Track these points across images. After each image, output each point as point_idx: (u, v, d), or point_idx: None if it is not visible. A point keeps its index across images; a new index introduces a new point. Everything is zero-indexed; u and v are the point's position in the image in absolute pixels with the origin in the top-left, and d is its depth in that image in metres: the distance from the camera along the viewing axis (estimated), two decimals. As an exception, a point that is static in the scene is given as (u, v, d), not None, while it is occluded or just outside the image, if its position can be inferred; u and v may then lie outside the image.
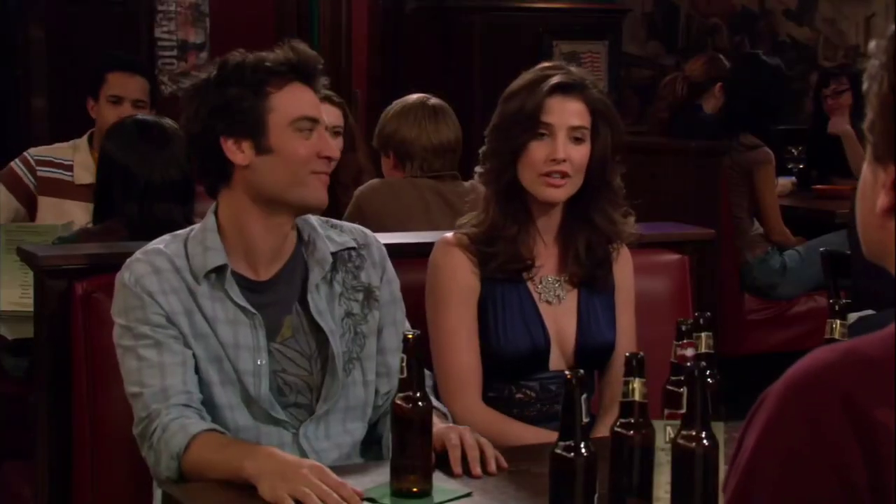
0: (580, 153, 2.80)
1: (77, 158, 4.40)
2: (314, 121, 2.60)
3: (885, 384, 1.23)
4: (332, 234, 2.70)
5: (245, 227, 2.60)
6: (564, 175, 2.79)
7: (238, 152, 2.58)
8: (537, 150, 2.80)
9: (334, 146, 2.64)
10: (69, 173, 4.37)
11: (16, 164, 4.39)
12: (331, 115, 4.16)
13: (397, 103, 4.01)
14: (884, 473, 1.20)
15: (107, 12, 6.76)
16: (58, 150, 4.44)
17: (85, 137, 4.49)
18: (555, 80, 2.81)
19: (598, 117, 2.82)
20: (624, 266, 2.96)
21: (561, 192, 2.81)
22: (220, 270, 2.58)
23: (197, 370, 2.56)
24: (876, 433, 1.21)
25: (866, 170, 1.34)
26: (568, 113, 2.81)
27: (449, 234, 2.91)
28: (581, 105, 2.81)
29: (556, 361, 2.88)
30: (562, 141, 2.79)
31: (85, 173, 4.35)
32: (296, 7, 8.46)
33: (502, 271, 2.84)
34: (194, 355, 2.56)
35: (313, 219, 2.68)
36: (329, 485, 2.27)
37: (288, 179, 2.58)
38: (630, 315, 2.96)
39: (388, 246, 2.78)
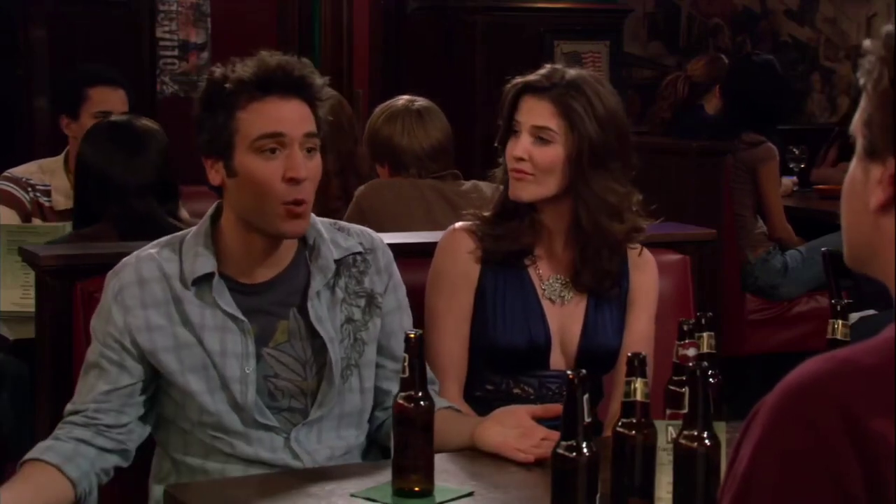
0: (543, 154, 2.78)
1: (54, 183, 4.31)
2: (278, 136, 2.49)
3: (881, 394, 1.22)
4: (339, 238, 2.67)
5: (236, 236, 2.58)
6: (524, 174, 2.79)
7: (213, 172, 2.56)
8: (509, 148, 2.83)
9: (302, 166, 2.49)
10: (47, 198, 4.31)
11: (7, 185, 4.29)
12: None
13: (383, 110, 3.97)
14: (882, 485, 1.20)
15: (108, 12, 6.76)
16: (35, 174, 4.34)
17: (60, 159, 4.39)
18: (527, 79, 2.82)
19: (570, 121, 2.79)
20: (644, 270, 2.93)
21: (523, 191, 2.80)
22: (208, 277, 2.56)
23: (179, 383, 2.54)
24: (874, 444, 1.20)
25: (856, 168, 1.32)
26: (534, 113, 2.80)
27: (460, 222, 2.92)
28: (550, 107, 2.79)
29: (557, 361, 2.87)
30: (524, 140, 2.80)
31: (64, 199, 4.27)
32: (297, 7, 8.46)
33: (504, 253, 2.84)
34: (174, 370, 2.54)
35: (319, 223, 2.65)
36: None
37: (255, 206, 2.51)
38: (646, 321, 2.93)
39: (388, 246, 2.78)
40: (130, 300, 2.55)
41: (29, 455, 2.50)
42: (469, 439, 2.58)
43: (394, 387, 2.65)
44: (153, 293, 2.55)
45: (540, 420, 2.65)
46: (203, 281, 2.56)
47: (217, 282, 2.56)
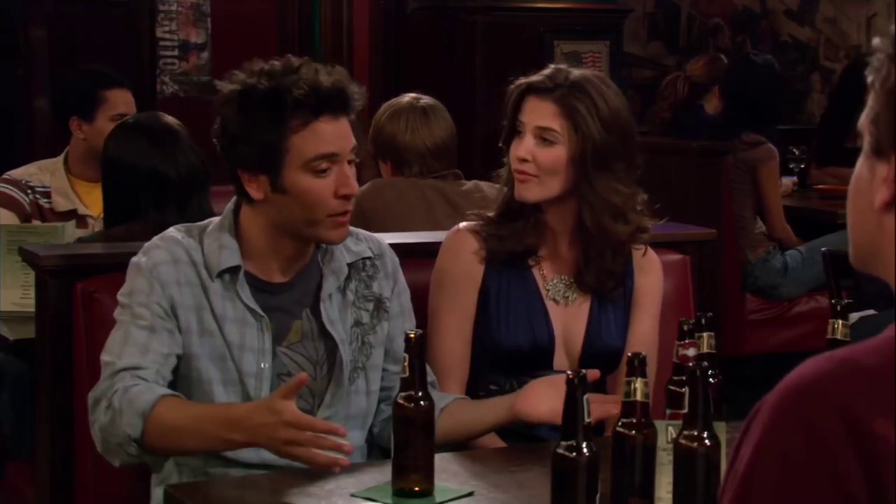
0: (547, 155, 2.78)
1: (54, 184, 4.30)
2: (332, 156, 2.52)
3: (882, 394, 1.21)
4: (349, 243, 2.69)
5: (262, 238, 2.60)
6: (528, 175, 2.79)
7: (253, 185, 2.55)
8: (513, 149, 2.82)
9: (354, 182, 2.57)
10: (47, 200, 4.30)
11: (6, 188, 4.27)
12: None
13: (388, 108, 3.97)
14: (883, 485, 1.19)
15: (108, 12, 6.76)
16: (34, 175, 4.33)
17: (60, 160, 4.37)
18: (530, 80, 2.81)
19: (573, 122, 2.78)
20: (648, 272, 2.93)
21: (527, 192, 2.80)
22: (233, 270, 2.58)
23: (195, 368, 2.55)
24: (874, 444, 1.20)
25: (862, 166, 1.32)
26: (537, 114, 2.79)
27: (464, 222, 2.92)
28: (553, 107, 2.78)
29: (561, 362, 2.87)
30: (527, 141, 2.79)
31: (64, 200, 4.27)
32: (297, 7, 8.46)
33: (508, 253, 2.84)
34: (195, 353, 2.55)
35: None
36: (310, 428, 2.30)
37: (303, 219, 2.54)
38: (650, 322, 2.92)
39: (390, 246, 2.78)
40: (167, 276, 2.55)
41: (152, 401, 2.42)
42: (507, 414, 2.61)
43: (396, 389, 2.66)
44: (186, 273, 2.56)
45: (541, 424, 2.66)
46: (227, 275, 2.58)
47: (241, 276, 2.58)
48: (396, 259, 2.75)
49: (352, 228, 2.75)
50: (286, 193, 2.53)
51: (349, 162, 2.56)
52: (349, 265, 2.66)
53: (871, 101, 1.30)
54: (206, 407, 2.48)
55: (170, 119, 3.48)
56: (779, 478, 1.22)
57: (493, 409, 2.65)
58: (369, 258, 2.70)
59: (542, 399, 2.57)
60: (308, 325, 2.63)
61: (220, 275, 2.57)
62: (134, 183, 3.35)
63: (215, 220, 2.65)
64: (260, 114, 2.51)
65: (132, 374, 2.47)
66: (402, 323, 2.72)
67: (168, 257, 2.56)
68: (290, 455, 2.32)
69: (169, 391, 2.47)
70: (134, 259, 2.59)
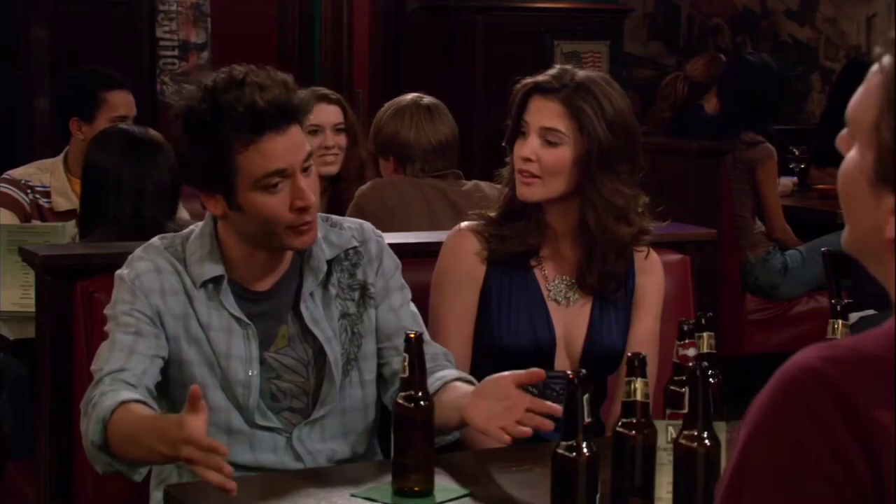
0: (551, 156, 2.77)
1: (54, 184, 4.31)
2: (282, 172, 2.47)
3: (881, 382, 1.22)
4: (332, 236, 2.67)
5: (237, 249, 2.58)
6: (531, 175, 2.79)
7: (212, 203, 2.53)
8: (517, 148, 2.82)
9: (308, 192, 2.50)
10: (47, 199, 4.30)
11: (6, 188, 4.28)
12: (329, 114, 4.16)
13: (391, 105, 3.98)
14: (883, 472, 1.20)
15: (108, 12, 6.76)
16: (33, 175, 4.33)
17: (60, 160, 4.38)
18: (536, 80, 2.81)
19: (579, 122, 2.77)
20: (650, 273, 2.93)
21: (530, 192, 2.79)
22: (216, 280, 2.57)
23: (189, 374, 2.54)
24: (874, 432, 1.20)
25: (865, 187, 1.29)
26: (542, 114, 2.79)
27: (466, 222, 2.91)
28: (559, 107, 2.78)
29: (562, 363, 2.86)
30: (532, 141, 2.79)
31: (63, 200, 4.27)
32: (297, 7, 8.47)
33: (510, 253, 2.84)
34: (187, 359, 2.54)
35: None
36: (200, 446, 2.19)
37: (263, 232, 2.52)
38: (651, 323, 2.92)
39: (390, 246, 2.77)
40: (150, 284, 2.54)
41: (111, 408, 2.37)
42: (461, 416, 2.45)
43: (392, 365, 2.64)
44: (170, 282, 2.56)
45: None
46: (210, 284, 2.57)
47: (225, 284, 2.57)
48: (383, 242, 2.72)
49: (334, 217, 2.73)
50: (242, 211, 2.51)
51: (304, 170, 2.50)
52: (329, 261, 2.63)
53: (879, 119, 1.26)
54: (147, 417, 2.39)
55: (155, 135, 3.50)
56: (773, 461, 1.23)
57: (457, 407, 2.48)
58: (354, 247, 2.68)
59: (483, 407, 2.40)
60: (293, 327, 2.61)
61: (204, 284, 2.56)
62: (99, 187, 3.41)
63: (196, 228, 2.63)
64: (203, 136, 2.47)
65: (113, 377, 2.45)
66: (389, 299, 2.68)
67: (151, 267, 2.56)
68: (195, 472, 2.24)
69: (132, 396, 2.41)
70: (118, 272, 2.59)
